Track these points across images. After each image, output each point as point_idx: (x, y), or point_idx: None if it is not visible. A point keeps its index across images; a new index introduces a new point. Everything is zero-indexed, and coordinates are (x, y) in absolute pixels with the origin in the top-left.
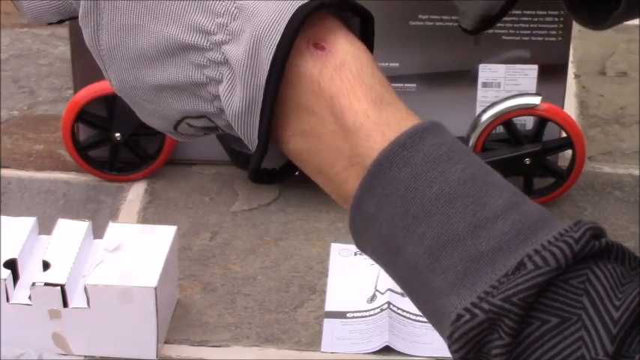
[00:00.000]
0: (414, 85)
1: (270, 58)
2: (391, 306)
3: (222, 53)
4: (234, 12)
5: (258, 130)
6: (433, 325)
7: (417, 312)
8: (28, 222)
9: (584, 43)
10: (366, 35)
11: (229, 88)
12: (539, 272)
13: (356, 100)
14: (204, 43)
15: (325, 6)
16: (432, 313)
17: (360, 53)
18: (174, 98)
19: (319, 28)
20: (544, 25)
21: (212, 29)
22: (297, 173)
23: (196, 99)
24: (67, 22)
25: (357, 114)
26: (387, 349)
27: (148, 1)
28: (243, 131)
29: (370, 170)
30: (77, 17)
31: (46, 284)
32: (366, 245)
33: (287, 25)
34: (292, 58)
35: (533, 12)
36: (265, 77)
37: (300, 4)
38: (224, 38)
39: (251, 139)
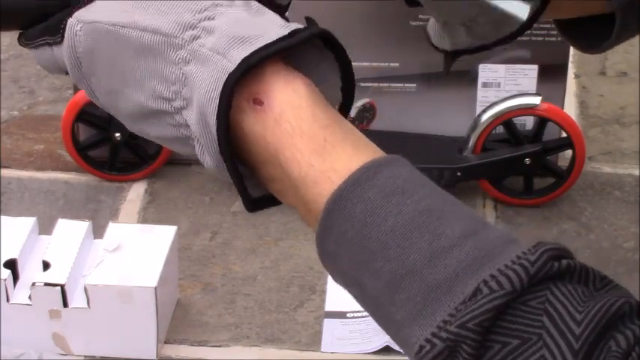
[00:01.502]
0: (414, 85)
1: (215, 123)
2: None
3: (185, 118)
4: (183, 79)
5: (234, 183)
6: (406, 355)
7: None
8: (28, 222)
9: None
10: (342, 60)
11: (199, 147)
12: (495, 296)
13: (297, 152)
14: (169, 109)
15: (262, 60)
16: (401, 343)
17: (298, 97)
18: (177, 146)
19: (257, 81)
20: (544, 25)
21: (170, 96)
22: None
23: (186, 148)
24: None
25: (300, 165)
26: (387, 349)
27: (117, 69)
28: (225, 179)
29: (325, 211)
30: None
31: (46, 284)
32: (337, 280)
33: (220, 96)
34: (236, 118)
35: None
36: (216, 141)
37: (230, 70)
38: (181, 104)
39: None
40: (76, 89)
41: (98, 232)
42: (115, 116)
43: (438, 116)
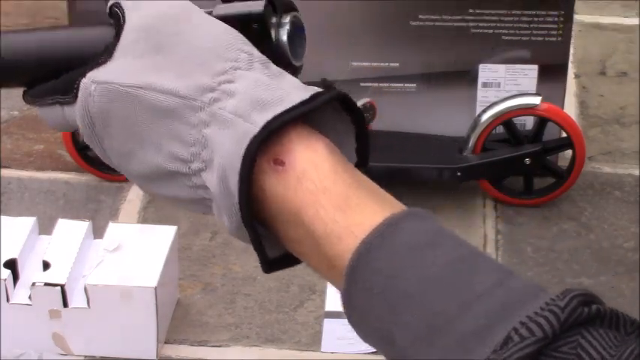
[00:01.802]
0: (414, 85)
1: (237, 187)
2: None
3: (203, 180)
4: (203, 141)
5: (253, 245)
6: None
7: None
8: (28, 222)
9: (584, 43)
10: (357, 117)
11: (217, 209)
12: (526, 343)
13: (321, 208)
14: (187, 170)
15: (284, 124)
16: None
17: (321, 158)
18: (190, 207)
19: (278, 142)
20: (544, 25)
21: (189, 158)
22: None
23: (202, 208)
24: (66, 20)
25: (325, 222)
26: None
27: (132, 130)
28: (242, 241)
29: (349, 267)
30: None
31: (46, 284)
32: (368, 339)
33: (243, 159)
34: (257, 180)
35: (533, 12)
36: (238, 204)
37: (254, 133)
38: (200, 166)
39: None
40: None
41: (98, 232)
42: (128, 177)
43: (438, 116)
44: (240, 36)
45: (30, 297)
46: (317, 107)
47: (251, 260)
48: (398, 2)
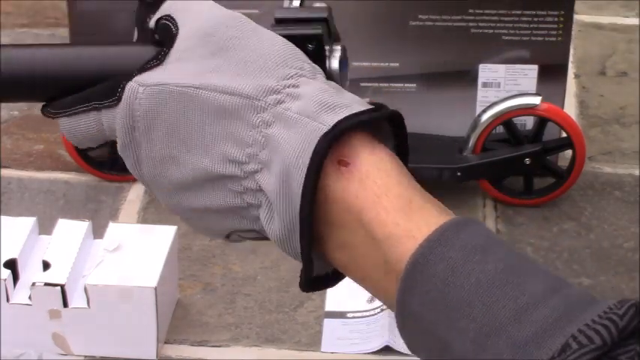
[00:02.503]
0: (414, 85)
1: (301, 188)
2: None
3: (257, 182)
4: (262, 141)
5: (301, 253)
6: None
7: None
8: (28, 222)
9: (584, 43)
10: (399, 131)
11: (268, 213)
12: (584, 351)
13: (383, 211)
14: (239, 173)
15: (355, 126)
16: None
17: (384, 163)
18: (220, 218)
19: (343, 144)
20: (544, 25)
21: (243, 159)
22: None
23: (240, 219)
24: (66, 21)
25: (385, 224)
26: (387, 349)
27: (179, 134)
28: (288, 251)
29: (407, 270)
30: (114, 142)
31: (46, 284)
32: (418, 347)
33: (312, 155)
34: (320, 181)
35: (533, 12)
36: (299, 206)
37: (323, 131)
38: (256, 167)
39: (295, 257)
40: None
41: (98, 232)
42: (154, 188)
43: (438, 116)
44: (300, 51)
45: (30, 297)
46: (381, 117)
47: (251, 260)
48: (398, 2)
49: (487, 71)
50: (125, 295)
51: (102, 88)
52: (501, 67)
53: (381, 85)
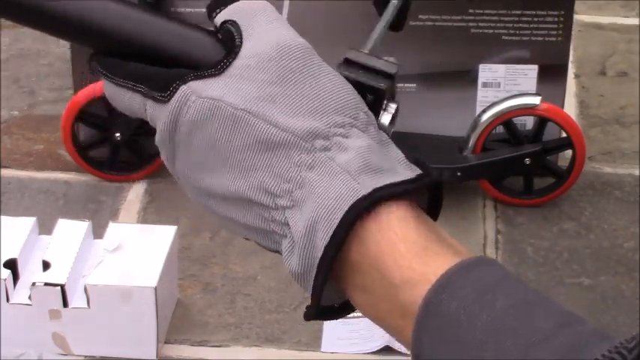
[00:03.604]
0: (414, 85)
1: (324, 245)
2: None
3: (285, 217)
4: (300, 181)
5: (312, 294)
6: None
7: None
8: (28, 222)
9: (584, 43)
10: (435, 190)
11: (289, 248)
12: None
13: (400, 257)
14: (270, 204)
15: (391, 196)
16: None
17: (405, 214)
18: (243, 230)
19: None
20: (544, 25)
21: (278, 192)
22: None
23: (263, 238)
24: None
25: (402, 269)
26: (387, 349)
27: (220, 151)
28: (301, 285)
29: (420, 311)
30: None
31: (46, 284)
32: None
33: (343, 217)
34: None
35: (533, 12)
36: (319, 256)
37: (359, 195)
38: (288, 203)
39: (307, 293)
40: (76, 89)
41: (98, 232)
42: (184, 185)
43: (438, 116)
44: (360, 97)
45: (30, 297)
46: (419, 189)
47: (251, 260)
48: None
49: (487, 71)
50: (125, 295)
51: (156, 75)
52: (501, 67)
53: None
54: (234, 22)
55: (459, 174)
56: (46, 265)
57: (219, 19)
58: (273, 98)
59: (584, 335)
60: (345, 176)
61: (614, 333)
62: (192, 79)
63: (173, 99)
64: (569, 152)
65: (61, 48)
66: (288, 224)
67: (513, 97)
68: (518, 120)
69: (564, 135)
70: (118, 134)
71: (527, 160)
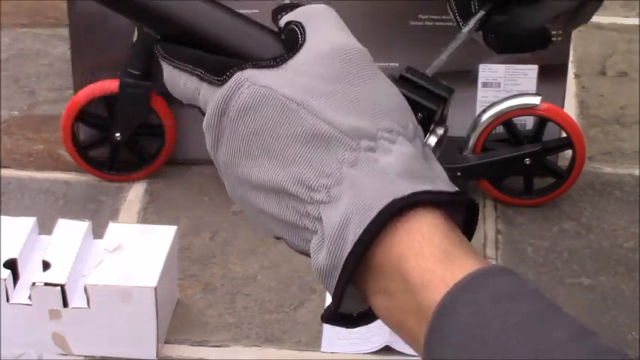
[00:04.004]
0: None
1: (354, 242)
2: None
3: (319, 212)
4: (339, 178)
5: (334, 292)
6: None
7: None
8: (28, 222)
9: (584, 43)
10: (470, 219)
11: (319, 244)
12: None
13: (422, 259)
14: (306, 197)
15: (427, 202)
16: None
17: (435, 220)
18: (275, 225)
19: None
20: None
21: (315, 187)
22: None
23: (294, 235)
24: (66, 21)
25: (423, 272)
26: (387, 349)
27: (265, 139)
28: (324, 284)
29: (434, 315)
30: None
31: (46, 284)
32: None
33: (376, 216)
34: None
35: None
36: (346, 255)
37: (396, 197)
38: (324, 199)
39: (329, 292)
40: (76, 89)
41: (98, 232)
42: (224, 175)
43: None
44: (411, 110)
45: (30, 297)
46: (456, 203)
47: (251, 260)
48: (398, 2)
49: (487, 71)
50: (125, 295)
51: (215, 61)
52: (501, 67)
53: None
54: (298, 23)
55: (458, 174)
56: (46, 265)
57: (283, 20)
58: (326, 95)
59: (597, 349)
60: (386, 177)
61: (614, 333)
62: (249, 68)
63: (228, 83)
64: (569, 152)
65: (61, 48)
66: (321, 219)
67: (513, 97)
68: (518, 120)
69: (564, 135)
70: (118, 134)
71: (527, 160)
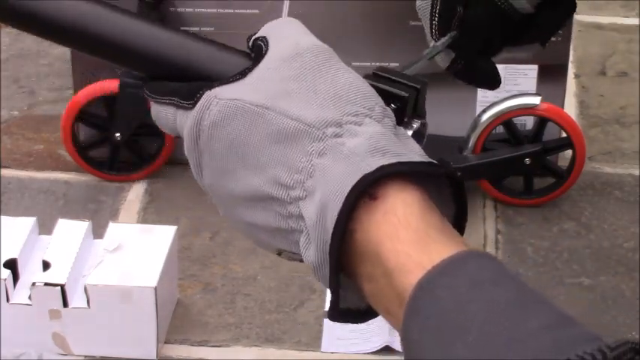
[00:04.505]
0: None
1: (334, 220)
2: None
3: (299, 209)
4: (310, 170)
5: (329, 284)
6: None
7: None
8: (28, 222)
9: (584, 43)
10: (459, 199)
11: (306, 241)
12: None
13: (398, 242)
14: (285, 197)
15: (398, 173)
16: None
17: (412, 199)
18: (268, 237)
19: (380, 184)
20: None
21: (291, 184)
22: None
23: (285, 241)
24: None
25: (398, 255)
26: (387, 349)
27: (239, 149)
28: (321, 280)
29: (411, 297)
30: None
31: (46, 284)
32: None
33: (348, 194)
34: (352, 217)
35: None
36: (330, 240)
37: (365, 172)
38: (301, 194)
39: (327, 286)
40: (76, 89)
41: (98, 232)
42: (213, 197)
43: (438, 116)
44: (377, 94)
45: (30, 297)
46: (432, 174)
47: (251, 260)
48: (398, 2)
49: None
50: (125, 295)
51: (188, 87)
52: (501, 67)
53: None
54: (263, 38)
55: (458, 174)
56: (46, 265)
57: (251, 40)
58: (290, 93)
59: (572, 336)
60: (355, 158)
61: (614, 333)
62: (217, 86)
63: (197, 104)
64: (569, 152)
65: (61, 48)
66: (302, 216)
67: (513, 97)
68: (518, 120)
69: (564, 135)
70: (118, 134)
71: (527, 160)
